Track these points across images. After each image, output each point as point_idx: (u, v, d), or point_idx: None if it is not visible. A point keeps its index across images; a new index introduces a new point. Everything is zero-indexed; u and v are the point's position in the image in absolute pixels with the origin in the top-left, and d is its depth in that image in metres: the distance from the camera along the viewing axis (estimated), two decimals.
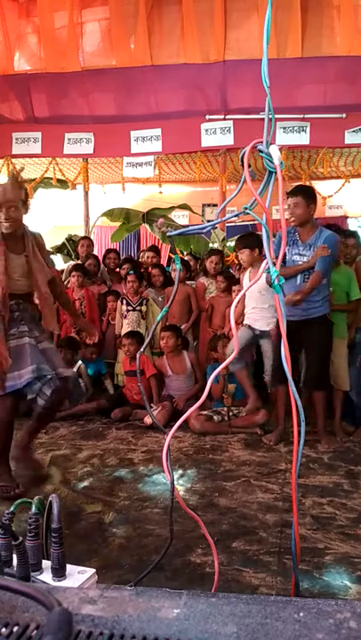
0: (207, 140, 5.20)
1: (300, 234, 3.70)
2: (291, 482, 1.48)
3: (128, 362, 4.65)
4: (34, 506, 1.02)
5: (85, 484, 3.07)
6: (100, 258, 5.93)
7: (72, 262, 6.08)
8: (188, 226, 8.05)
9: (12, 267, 2.88)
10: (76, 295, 5.07)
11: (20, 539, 0.91)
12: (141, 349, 1.60)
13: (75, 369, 4.65)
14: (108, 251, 6.20)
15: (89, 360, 4.98)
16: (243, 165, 1.20)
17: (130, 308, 4.95)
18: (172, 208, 7.81)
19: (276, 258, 1.26)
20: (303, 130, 5.05)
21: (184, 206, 7.69)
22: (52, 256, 5.95)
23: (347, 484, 3.03)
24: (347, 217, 8.99)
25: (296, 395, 1.19)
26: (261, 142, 1.20)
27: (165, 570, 2.09)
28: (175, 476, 2.90)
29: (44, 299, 2.98)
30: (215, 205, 8.29)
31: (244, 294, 3.97)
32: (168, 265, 7.54)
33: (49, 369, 2.83)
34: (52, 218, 8.63)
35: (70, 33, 5.22)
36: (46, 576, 0.97)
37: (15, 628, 0.58)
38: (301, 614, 0.61)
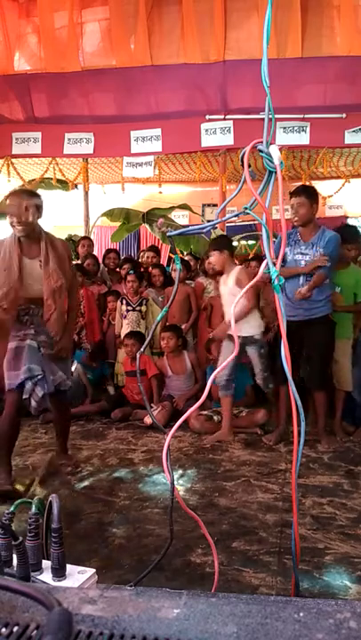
0: (207, 140, 5.20)
1: (303, 233, 3.70)
2: (291, 482, 1.48)
3: (129, 362, 4.64)
4: (34, 506, 1.02)
5: (85, 483, 3.07)
6: (100, 258, 5.93)
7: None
8: (188, 226, 8.04)
9: (26, 271, 2.89)
10: None
11: (20, 539, 0.91)
12: (141, 349, 1.60)
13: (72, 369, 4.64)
14: (108, 251, 6.20)
15: (92, 367, 4.96)
16: (243, 165, 1.20)
17: (130, 308, 4.94)
18: (172, 208, 7.81)
19: (277, 258, 1.26)
20: (303, 130, 5.04)
21: (184, 206, 7.69)
22: None
23: (347, 484, 3.04)
24: (347, 217, 8.98)
25: (296, 395, 1.19)
26: (261, 142, 1.20)
27: (165, 570, 2.09)
28: (175, 476, 2.91)
29: (47, 305, 2.96)
30: (215, 205, 8.28)
31: (245, 293, 3.91)
32: (168, 265, 7.55)
33: (39, 369, 2.85)
34: (51, 218, 8.62)
35: (70, 33, 5.21)
36: (46, 576, 0.97)
37: (15, 628, 0.58)
38: (301, 614, 0.61)
